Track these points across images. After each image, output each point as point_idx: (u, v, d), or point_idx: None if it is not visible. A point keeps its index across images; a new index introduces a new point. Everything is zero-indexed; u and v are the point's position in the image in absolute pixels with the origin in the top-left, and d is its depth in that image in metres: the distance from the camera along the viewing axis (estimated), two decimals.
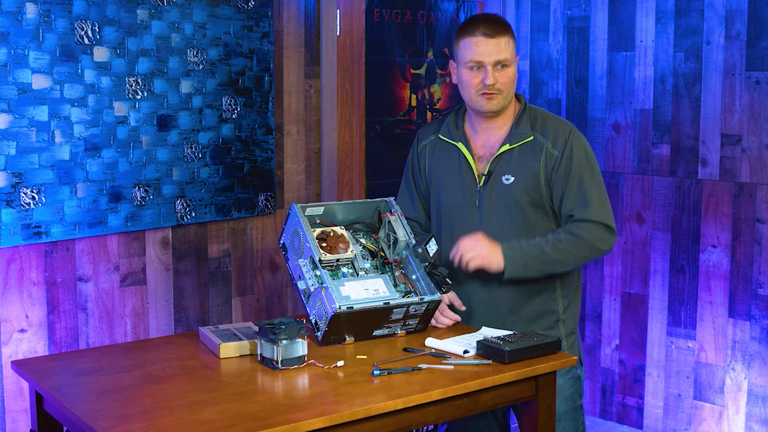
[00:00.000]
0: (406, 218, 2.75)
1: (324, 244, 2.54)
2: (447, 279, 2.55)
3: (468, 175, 2.71)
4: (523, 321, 2.68)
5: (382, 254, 2.63)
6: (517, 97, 2.74)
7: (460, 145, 2.72)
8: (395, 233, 2.61)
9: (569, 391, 2.71)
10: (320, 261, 2.48)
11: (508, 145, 2.66)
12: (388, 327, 2.50)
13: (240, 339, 2.40)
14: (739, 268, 3.62)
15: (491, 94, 2.62)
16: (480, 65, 2.61)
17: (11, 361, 2.37)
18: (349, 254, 2.54)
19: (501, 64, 2.61)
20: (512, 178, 2.65)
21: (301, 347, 2.28)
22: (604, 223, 2.63)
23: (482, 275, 2.68)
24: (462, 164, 2.72)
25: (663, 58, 3.79)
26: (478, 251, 2.57)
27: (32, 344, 2.82)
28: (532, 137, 2.67)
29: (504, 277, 2.58)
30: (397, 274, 2.61)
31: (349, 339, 2.47)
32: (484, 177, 2.67)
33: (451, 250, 2.62)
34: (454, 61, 2.70)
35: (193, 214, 3.15)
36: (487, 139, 2.71)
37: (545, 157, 2.64)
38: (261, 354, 2.31)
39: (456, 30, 2.71)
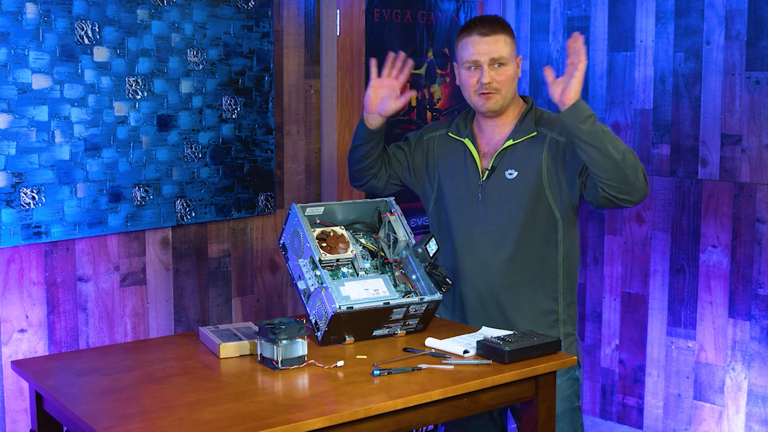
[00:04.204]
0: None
1: (324, 244, 2.54)
2: (447, 279, 2.55)
3: (472, 170, 2.74)
4: (523, 320, 2.69)
5: (382, 254, 2.63)
6: (525, 99, 2.77)
7: (466, 141, 2.76)
8: (395, 233, 2.61)
9: (567, 392, 2.71)
10: (320, 261, 2.47)
11: (512, 140, 2.69)
12: (388, 327, 2.50)
13: (240, 339, 2.40)
14: (739, 268, 3.62)
15: (488, 93, 2.64)
16: (477, 64, 2.65)
17: (11, 361, 2.37)
18: (349, 254, 2.54)
19: (497, 63, 2.63)
20: (515, 173, 2.68)
21: (301, 347, 2.28)
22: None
23: (482, 276, 2.69)
24: (467, 160, 2.75)
25: (663, 58, 3.79)
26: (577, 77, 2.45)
27: (32, 344, 2.82)
28: (536, 132, 2.69)
29: (564, 110, 2.47)
30: (397, 274, 2.61)
31: (349, 339, 2.47)
32: (487, 172, 2.70)
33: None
34: (456, 63, 2.74)
35: (193, 214, 3.15)
36: (492, 136, 2.75)
37: (549, 145, 2.66)
38: (261, 354, 2.31)
39: (456, 32, 2.74)
